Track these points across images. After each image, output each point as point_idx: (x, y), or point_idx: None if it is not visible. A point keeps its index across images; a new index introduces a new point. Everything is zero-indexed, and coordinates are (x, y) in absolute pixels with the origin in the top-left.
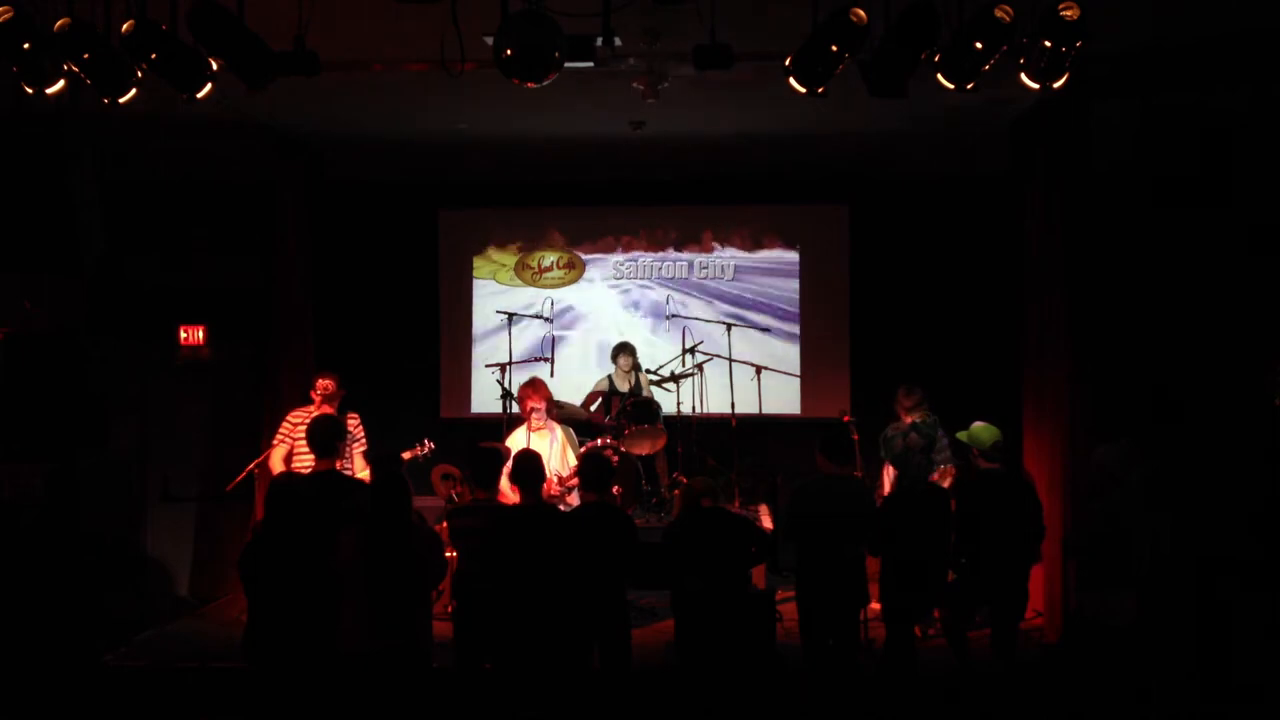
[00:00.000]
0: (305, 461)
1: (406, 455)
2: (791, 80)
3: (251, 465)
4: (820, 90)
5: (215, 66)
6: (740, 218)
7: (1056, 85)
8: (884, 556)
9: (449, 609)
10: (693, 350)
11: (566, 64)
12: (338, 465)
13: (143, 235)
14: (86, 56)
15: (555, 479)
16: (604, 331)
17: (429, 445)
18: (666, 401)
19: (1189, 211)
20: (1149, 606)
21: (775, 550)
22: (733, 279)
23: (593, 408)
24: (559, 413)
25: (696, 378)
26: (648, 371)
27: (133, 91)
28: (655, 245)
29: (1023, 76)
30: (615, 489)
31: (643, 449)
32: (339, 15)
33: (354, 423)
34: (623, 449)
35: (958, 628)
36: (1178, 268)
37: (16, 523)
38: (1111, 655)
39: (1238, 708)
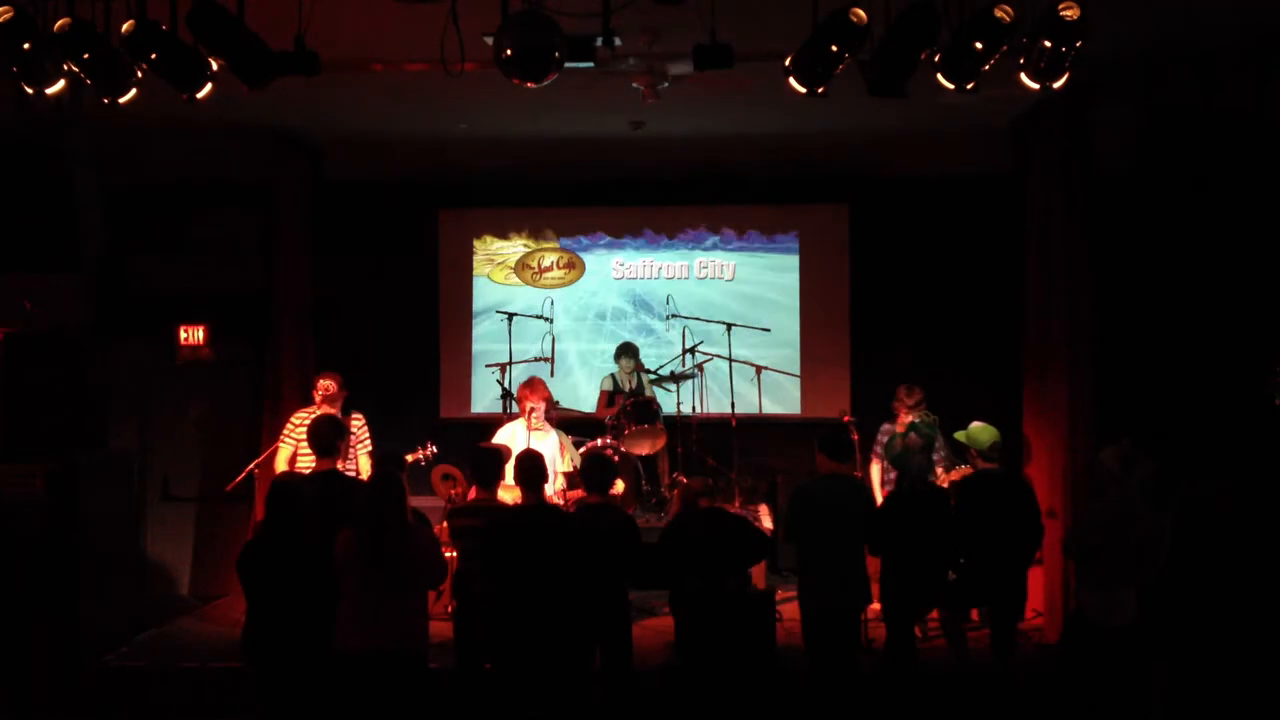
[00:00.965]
0: (308, 462)
1: (410, 458)
2: (791, 80)
3: (251, 465)
4: (820, 90)
5: (215, 66)
6: (740, 217)
7: (1056, 85)
8: (884, 556)
9: (449, 609)
10: (693, 350)
11: (566, 64)
12: (340, 466)
13: (143, 235)
14: (86, 56)
15: (554, 494)
16: (604, 331)
17: (431, 448)
18: (666, 401)
19: (1190, 212)
20: (1149, 606)
21: (775, 550)
22: (733, 279)
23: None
24: (554, 414)
25: (696, 378)
26: (647, 372)
27: (133, 91)
28: (655, 245)
29: (1023, 76)
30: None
31: (643, 449)
32: (339, 15)
33: (358, 423)
34: (623, 449)
35: (957, 628)
36: (1178, 268)
37: (16, 523)
38: (1111, 655)
39: (1237, 708)
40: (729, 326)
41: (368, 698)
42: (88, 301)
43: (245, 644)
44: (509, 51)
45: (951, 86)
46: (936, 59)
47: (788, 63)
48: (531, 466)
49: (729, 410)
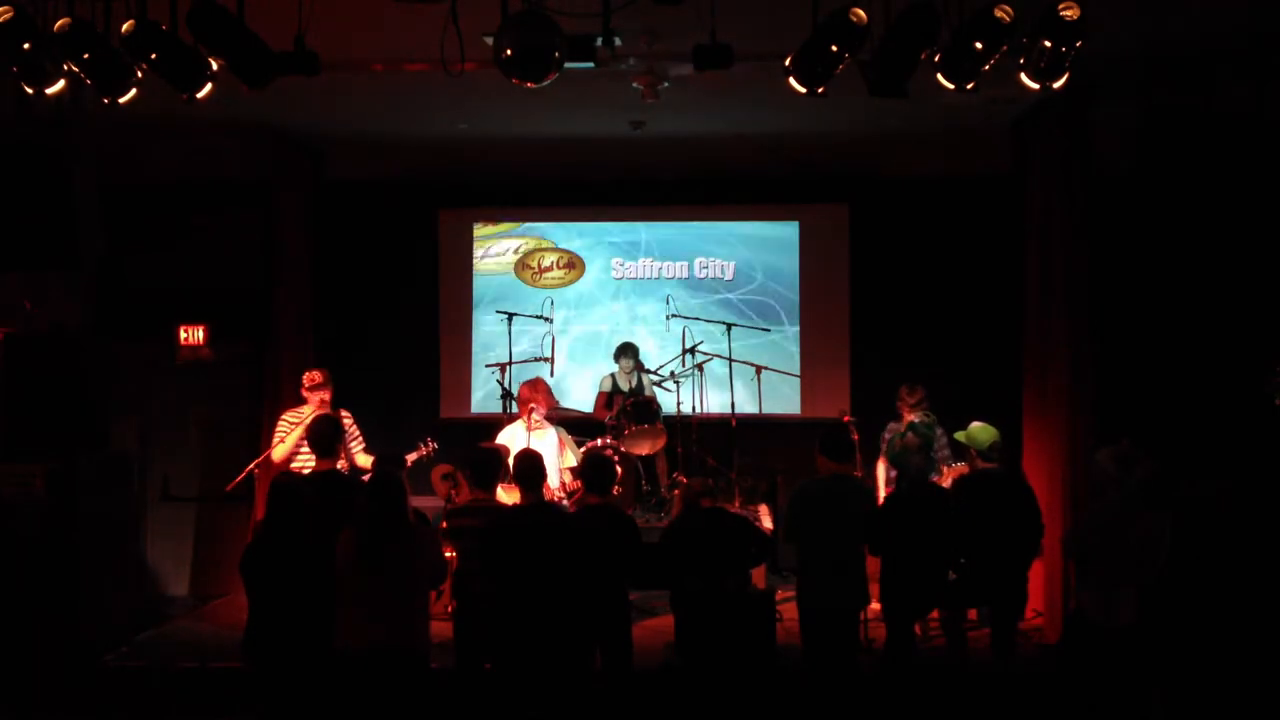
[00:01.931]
0: (305, 462)
1: (411, 457)
2: (791, 80)
3: (251, 465)
4: (820, 90)
5: (215, 66)
6: (740, 217)
7: (1056, 85)
8: (884, 556)
9: (449, 609)
10: (693, 350)
11: (566, 64)
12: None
13: (143, 235)
14: (86, 56)
15: (557, 488)
16: (604, 331)
17: (432, 445)
18: (666, 401)
19: (1189, 212)
20: (1149, 606)
21: (775, 550)
22: (732, 279)
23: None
24: (555, 414)
25: (696, 378)
26: (647, 372)
27: (133, 91)
28: (655, 245)
29: (1023, 76)
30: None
31: (643, 449)
32: (339, 15)
33: (347, 420)
34: (623, 449)
35: (957, 627)
36: (1178, 268)
37: (16, 523)
38: (1111, 655)
39: (1237, 708)
40: (729, 326)
41: (368, 697)
42: (87, 301)
43: (246, 644)
44: (509, 51)
45: (951, 86)
46: (936, 59)
47: (788, 63)
48: (530, 466)
49: (729, 410)
